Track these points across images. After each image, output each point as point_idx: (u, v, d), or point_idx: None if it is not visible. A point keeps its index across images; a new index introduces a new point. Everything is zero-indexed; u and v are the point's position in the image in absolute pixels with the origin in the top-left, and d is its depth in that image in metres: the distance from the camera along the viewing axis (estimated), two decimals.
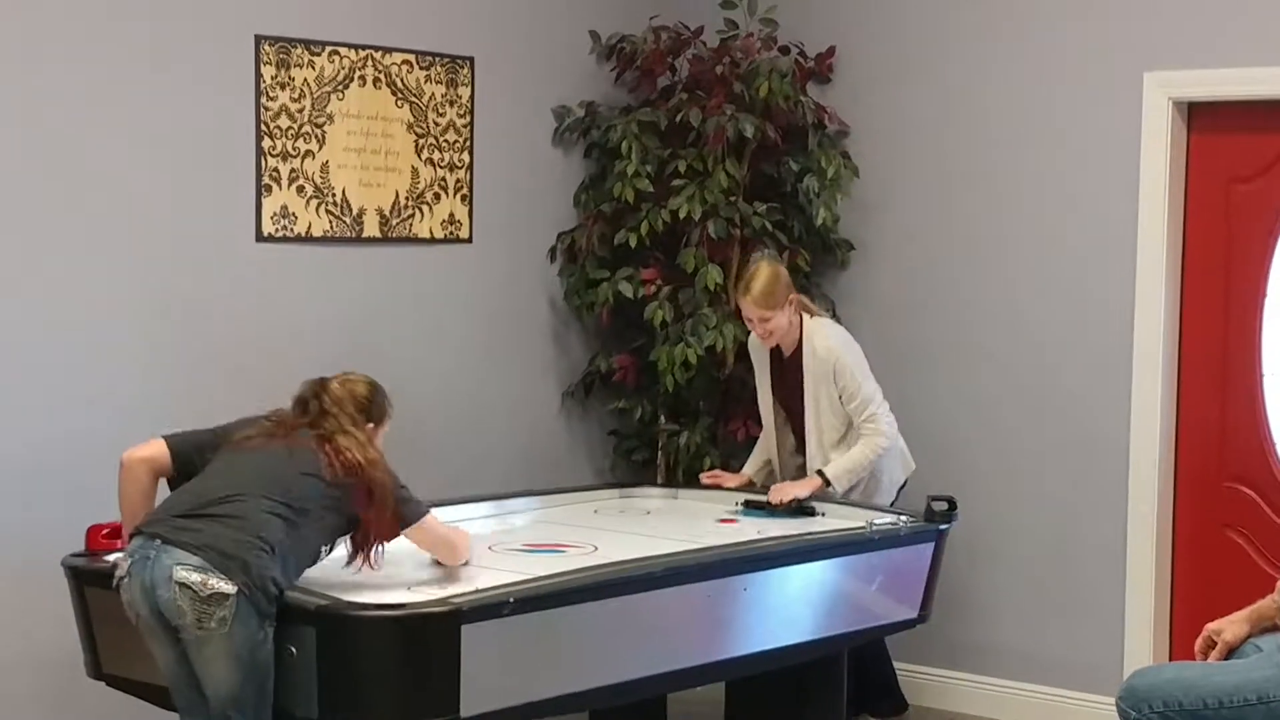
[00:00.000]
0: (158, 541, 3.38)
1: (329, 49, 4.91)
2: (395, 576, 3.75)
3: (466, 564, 3.82)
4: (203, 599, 3.30)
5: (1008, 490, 5.40)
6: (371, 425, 3.70)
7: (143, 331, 4.56)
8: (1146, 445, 5.14)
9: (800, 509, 4.68)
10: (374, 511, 3.55)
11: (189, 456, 3.64)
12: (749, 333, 5.01)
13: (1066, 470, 5.30)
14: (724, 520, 4.65)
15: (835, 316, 5.32)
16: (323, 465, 3.53)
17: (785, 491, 4.72)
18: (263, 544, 3.39)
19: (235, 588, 3.32)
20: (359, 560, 3.62)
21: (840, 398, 4.77)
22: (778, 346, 4.89)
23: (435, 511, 3.83)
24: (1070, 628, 5.31)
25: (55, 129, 4.35)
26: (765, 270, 4.79)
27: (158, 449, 3.64)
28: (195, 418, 3.86)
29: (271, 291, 4.86)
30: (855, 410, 4.77)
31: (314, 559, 3.58)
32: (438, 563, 3.83)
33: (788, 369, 4.88)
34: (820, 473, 4.77)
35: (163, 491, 3.68)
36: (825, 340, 4.79)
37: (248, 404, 3.81)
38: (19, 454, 4.28)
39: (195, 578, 3.32)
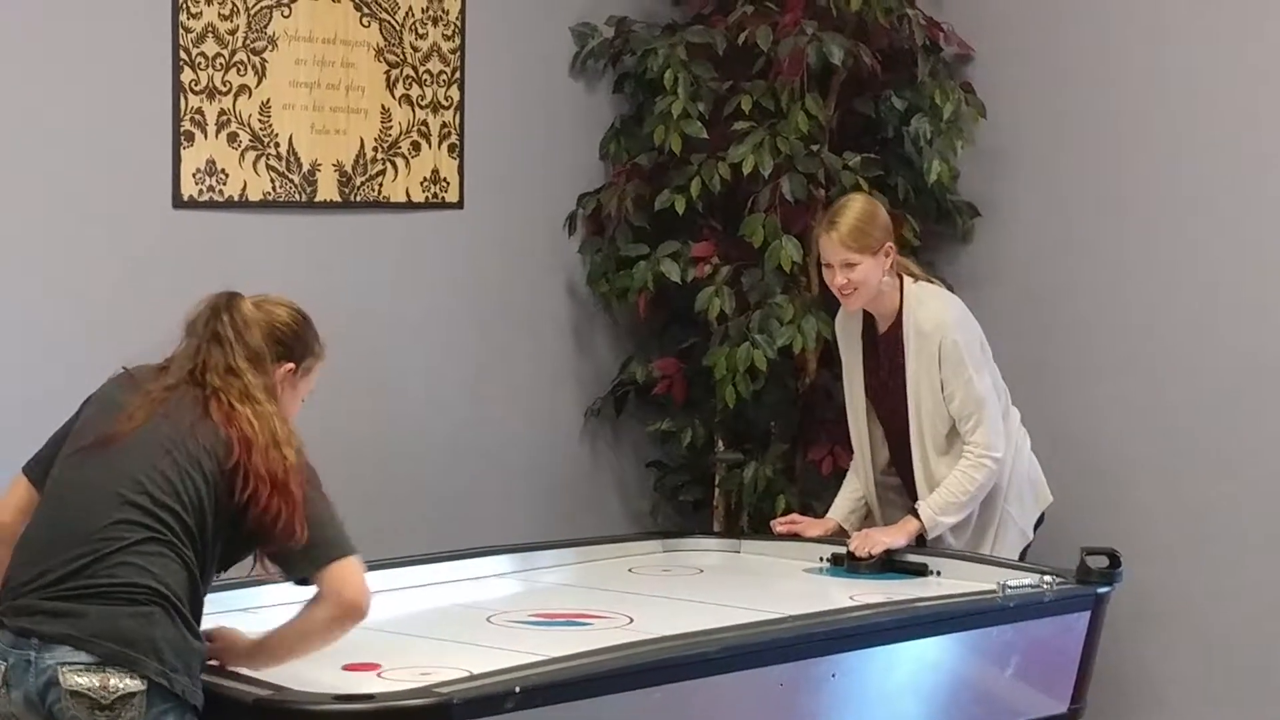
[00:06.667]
0: (34, 640, 3.28)
1: None
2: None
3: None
4: (105, 707, 3.23)
5: (1194, 540, 5.37)
6: (289, 367, 3.54)
7: (22, 324, 4.59)
8: None
9: (906, 566, 4.68)
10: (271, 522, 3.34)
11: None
12: (835, 320, 5.01)
13: None
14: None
15: None
16: (218, 444, 3.34)
17: (872, 541, 4.72)
18: (166, 603, 3.29)
19: (145, 683, 3.25)
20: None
21: (942, 392, 4.76)
22: (871, 323, 4.88)
23: (392, 574, 3.90)
24: None
25: None
26: (859, 202, 4.81)
27: (25, 494, 3.51)
28: None
29: (193, 272, 4.85)
30: (959, 414, 4.76)
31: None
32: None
33: (882, 351, 4.87)
34: (916, 512, 4.77)
35: None
36: (934, 311, 4.78)
37: None
38: None
39: (88, 682, 3.24)
